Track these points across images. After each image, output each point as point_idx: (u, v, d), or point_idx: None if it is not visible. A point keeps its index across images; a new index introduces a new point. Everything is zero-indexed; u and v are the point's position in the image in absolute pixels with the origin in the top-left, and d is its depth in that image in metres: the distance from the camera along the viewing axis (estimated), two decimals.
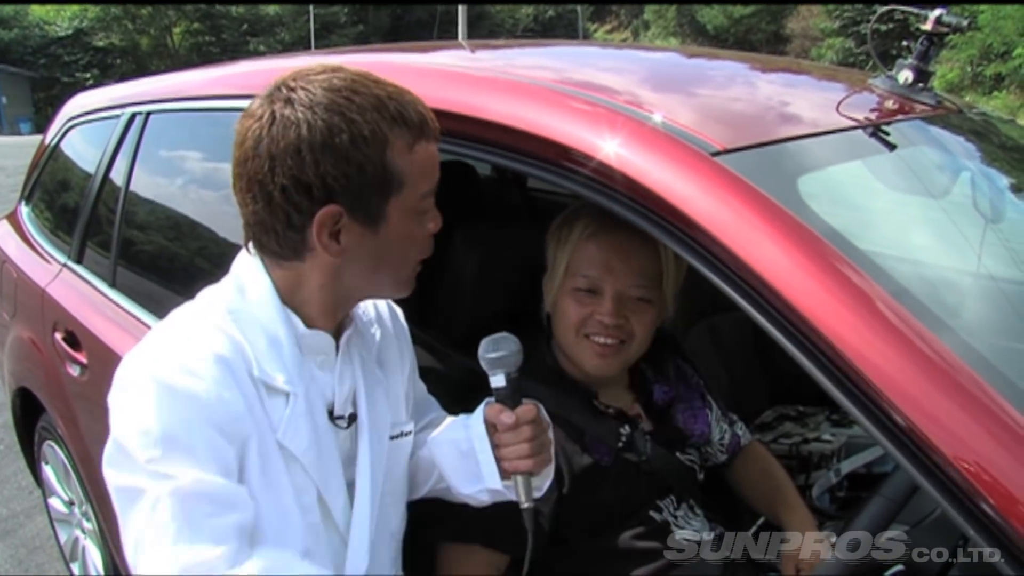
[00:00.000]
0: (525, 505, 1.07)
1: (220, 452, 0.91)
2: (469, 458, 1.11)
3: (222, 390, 0.91)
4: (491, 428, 1.10)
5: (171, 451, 0.88)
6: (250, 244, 1.01)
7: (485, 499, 1.13)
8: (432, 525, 1.25)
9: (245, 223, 0.99)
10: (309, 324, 1.02)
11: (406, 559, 1.19)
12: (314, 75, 0.94)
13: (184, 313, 1.02)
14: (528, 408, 1.08)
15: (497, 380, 1.08)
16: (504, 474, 1.09)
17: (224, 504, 0.89)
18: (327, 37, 33.12)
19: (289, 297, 1.01)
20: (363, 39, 33.42)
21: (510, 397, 1.08)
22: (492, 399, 1.10)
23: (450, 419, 1.20)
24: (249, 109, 0.96)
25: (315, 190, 0.92)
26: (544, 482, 1.14)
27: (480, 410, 1.12)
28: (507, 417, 1.07)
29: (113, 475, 0.91)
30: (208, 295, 1.03)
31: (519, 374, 1.09)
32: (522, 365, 1.09)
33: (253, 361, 0.96)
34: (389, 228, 0.97)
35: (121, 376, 0.94)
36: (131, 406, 0.91)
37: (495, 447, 1.09)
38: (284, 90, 0.94)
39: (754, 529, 1.49)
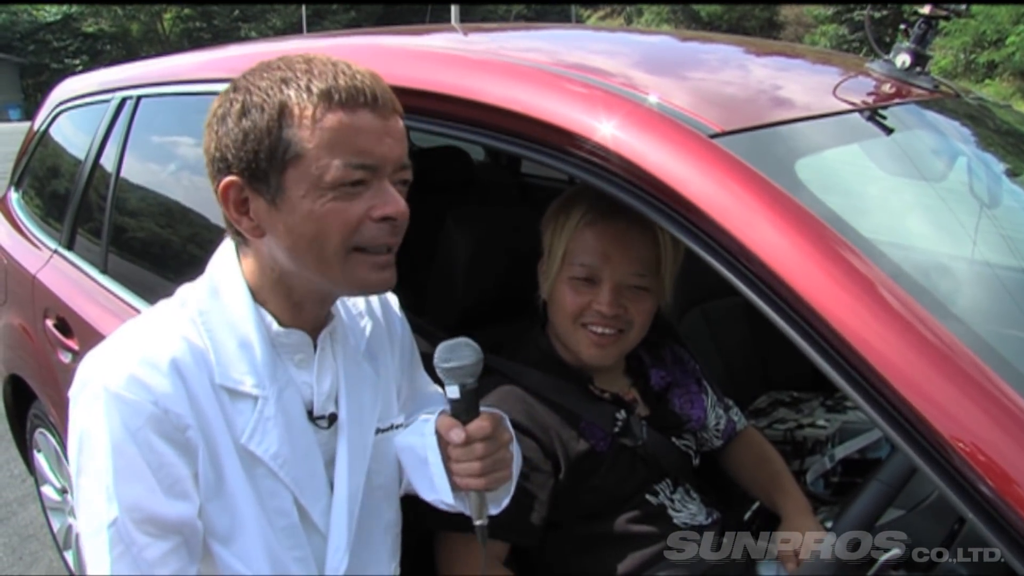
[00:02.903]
0: (478, 523, 1.03)
1: (168, 463, 0.92)
2: (427, 466, 1.06)
3: (169, 403, 0.91)
4: (443, 441, 1.04)
5: (119, 463, 0.89)
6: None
7: (444, 508, 1.09)
8: (430, 514, 1.25)
9: None
10: (283, 322, 1.00)
11: (408, 549, 1.19)
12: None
13: (152, 315, 1.01)
14: (481, 425, 1.01)
15: (451, 391, 1.02)
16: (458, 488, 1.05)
17: (165, 527, 0.91)
18: (319, 23, 32.83)
19: (260, 293, 1.00)
20: (355, 25, 33.19)
21: (464, 411, 1.02)
22: (447, 408, 1.05)
23: (418, 420, 1.15)
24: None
25: (217, 162, 0.94)
26: (503, 497, 1.09)
27: (434, 419, 1.07)
28: (456, 435, 1.01)
29: (72, 470, 0.94)
30: (183, 294, 1.02)
31: (476, 384, 1.02)
32: (480, 375, 1.02)
33: (216, 368, 0.95)
34: (291, 202, 0.91)
35: (80, 376, 0.94)
36: (84, 412, 0.92)
37: (447, 460, 1.05)
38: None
39: (749, 514, 1.49)
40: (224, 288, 1.00)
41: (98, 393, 0.90)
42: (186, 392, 0.92)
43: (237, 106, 0.91)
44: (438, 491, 1.06)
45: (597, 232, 1.29)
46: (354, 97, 0.90)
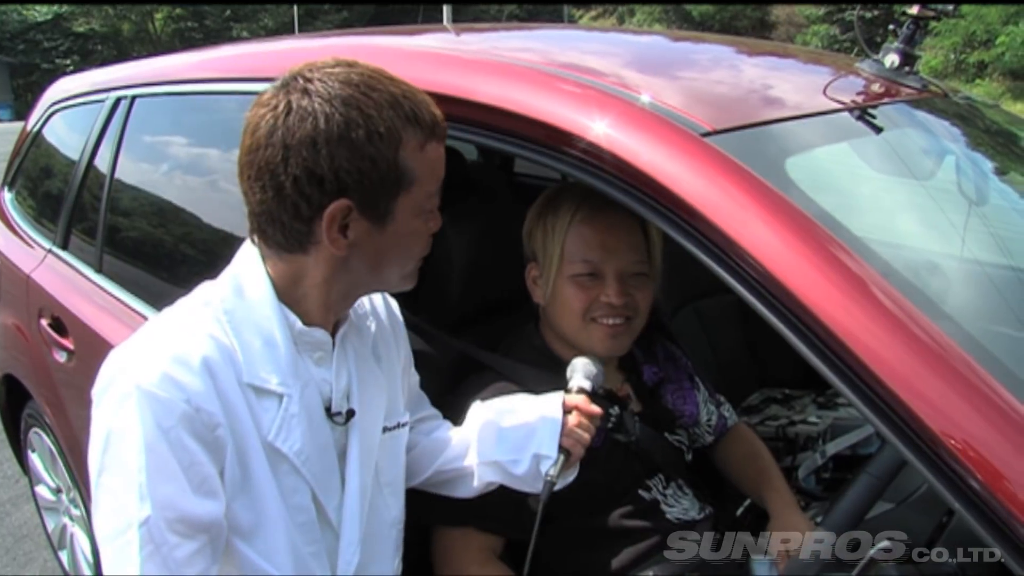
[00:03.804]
0: (551, 474, 1.11)
1: (197, 461, 0.92)
2: (544, 423, 1.15)
3: (201, 401, 0.92)
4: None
5: (152, 462, 0.89)
6: (254, 235, 1.00)
7: (520, 468, 1.15)
8: (426, 509, 1.26)
9: (250, 212, 0.98)
10: (307, 320, 1.01)
11: (409, 545, 1.20)
12: (330, 68, 0.94)
13: (177, 313, 1.01)
14: (600, 413, 1.18)
15: (587, 385, 1.19)
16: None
17: (195, 526, 0.92)
18: (311, 23, 32.71)
19: (287, 293, 1.00)
20: (347, 25, 33.10)
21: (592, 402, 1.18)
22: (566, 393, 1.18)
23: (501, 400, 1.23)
24: (262, 98, 0.95)
25: (327, 183, 0.91)
26: (568, 478, 1.17)
27: (559, 394, 1.18)
28: (595, 407, 1.16)
29: (93, 470, 0.93)
30: (205, 292, 1.02)
31: (600, 390, 1.22)
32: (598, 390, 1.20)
33: (243, 366, 0.96)
34: (396, 225, 0.96)
35: (106, 374, 0.94)
36: (113, 410, 0.91)
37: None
38: (301, 80, 0.93)
39: (741, 510, 1.50)
40: (249, 287, 1.00)
41: (129, 391, 0.90)
42: (216, 390, 0.93)
43: (361, 132, 0.90)
44: (541, 445, 1.13)
45: (594, 227, 1.31)
46: (440, 128, 0.98)
